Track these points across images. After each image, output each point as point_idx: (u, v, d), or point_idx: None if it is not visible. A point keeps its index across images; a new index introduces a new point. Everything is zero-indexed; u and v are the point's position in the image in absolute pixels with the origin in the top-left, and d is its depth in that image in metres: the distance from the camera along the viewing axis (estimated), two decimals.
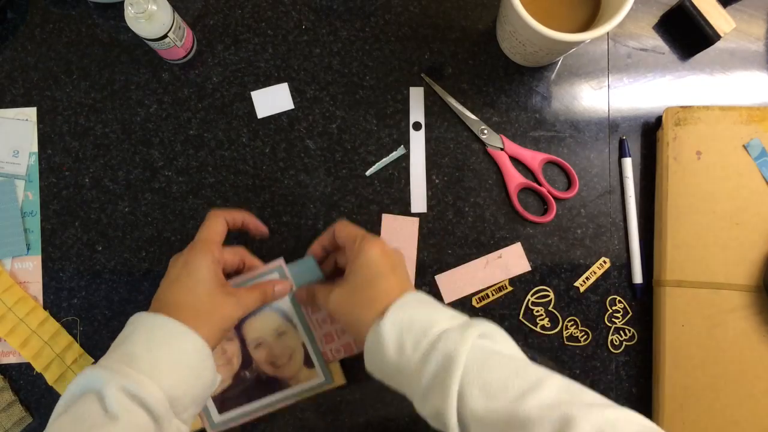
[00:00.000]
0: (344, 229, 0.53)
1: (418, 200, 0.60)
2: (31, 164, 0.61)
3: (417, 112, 0.61)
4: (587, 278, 0.59)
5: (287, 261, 0.56)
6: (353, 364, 0.58)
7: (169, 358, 0.44)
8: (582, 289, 0.60)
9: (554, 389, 0.39)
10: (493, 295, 0.59)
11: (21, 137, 0.61)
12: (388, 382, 0.47)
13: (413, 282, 0.59)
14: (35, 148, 0.61)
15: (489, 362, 0.41)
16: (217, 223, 0.52)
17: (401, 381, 0.45)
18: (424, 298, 0.48)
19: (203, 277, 0.48)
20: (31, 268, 0.60)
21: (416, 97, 0.61)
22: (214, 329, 0.47)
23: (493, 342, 0.43)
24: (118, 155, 0.61)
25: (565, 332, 0.59)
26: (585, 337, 0.59)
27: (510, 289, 0.60)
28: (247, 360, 0.57)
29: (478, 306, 0.59)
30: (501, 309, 0.59)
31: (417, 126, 0.60)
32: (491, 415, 0.39)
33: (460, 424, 0.41)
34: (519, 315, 0.60)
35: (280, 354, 0.57)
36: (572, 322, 0.59)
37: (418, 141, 0.61)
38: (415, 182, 0.60)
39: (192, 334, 0.46)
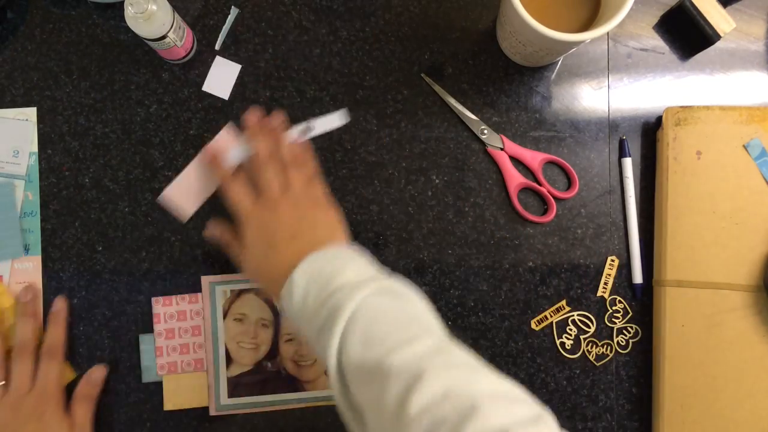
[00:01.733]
0: (230, 194, 0.54)
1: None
2: (31, 164, 0.61)
3: None
4: (606, 283, 0.59)
5: None
6: None
7: None
8: (604, 295, 0.60)
9: (427, 345, 0.40)
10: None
11: (21, 137, 0.61)
12: (296, 325, 0.49)
13: None
14: (35, 148, 0.61)
15: (379, 316, 0.42)
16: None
17: (303, 325, 0.47)
18: (338, 253, 0.48)
19: None
20: (30, 268, 0.60)
21: None
22: None
23: (394, 298, 0.44)
24: (118, 155, 0.61)
25: (564, 335, 0.59)
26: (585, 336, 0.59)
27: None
28: (273, 351, 0.58)
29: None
30: (501, 309, 0.60)
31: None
32: (364, 363, 0.41)
33: (339, 370, 0.42)
34: (519, 314, 0.60)
35: (307, 354, 0.58)
36: (573, 322, 0.59)
37: None
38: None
39: None
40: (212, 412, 0.58)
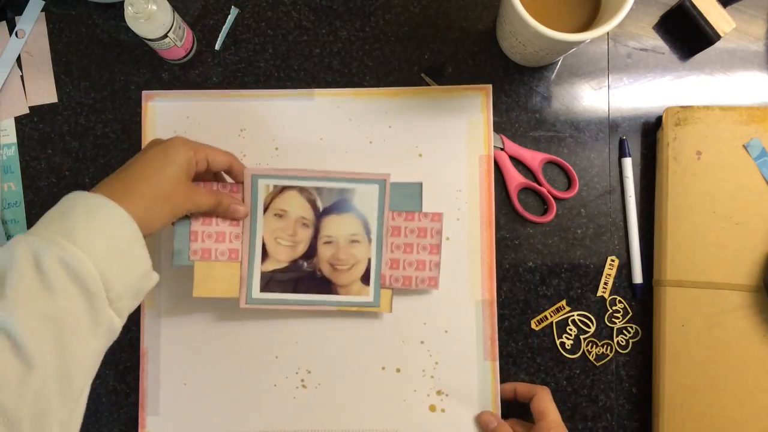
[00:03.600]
0: (541, 404, 0.55)
1: None
2: (10, 155, 0.61)
3: None
4: (606, 283, 0.59)
5: None
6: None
7: (105, 241, 0.43)
8: (604, 295, 0.60)
9: None
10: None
11: None
12: None
13: None
14: (14, 140, 0.61)
15: None
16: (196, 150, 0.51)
17: None
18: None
19: (174, 172, 0.49)
20: None
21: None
22: (156, 215, 0.47)
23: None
24: (118, 155, 0.61)
25: (564, 335, 0.59)
26: (585, 336, 0.59)
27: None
28: (311, 251, 0.57)
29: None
30: (500, 309, 0.60)
31: None
32: None
33: None
34: (519, 314, 0.60)
35: (344, 259, 0.57)
36: (573, 322, 0.59)
37: None
38: None
39: (130, 222, 0.45)
40: (242, 305, 0.56)
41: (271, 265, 0.56)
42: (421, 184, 0.57)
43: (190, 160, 0.50)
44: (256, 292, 0.56)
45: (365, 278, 0.57)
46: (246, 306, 0.56)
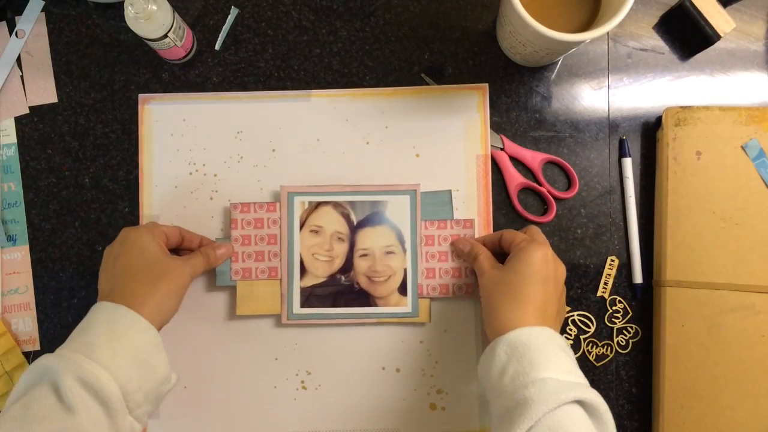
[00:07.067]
0: (511, 234, 0.54)
1: None
2: (10, 155, 0.61)
3: None
4: (606, 283, 0.59)
5: None
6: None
7: (125, 352, 0.45)
8: (604, 295, 0.60)
9: None
10: None
11: None
12: (482, 389, 0.48)
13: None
14: (14, 140, 0.61)
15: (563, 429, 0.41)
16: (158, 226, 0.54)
17: (488, 394, 0.47)
18: (555, 340, 0.47)
19: (146, 243, 0.51)
20: (19, 258, 0.60)
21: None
22: (168, 306, 0.49)
23: (588, 416, 0.43)
24: (118, 155, 0.61)
25: (564, 335, 0.59)
26: (586, 337, 0.59)
27: None
28: (347, 266, 0.58)
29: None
30: None
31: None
32: None
33: None
34: None
35: (381, 270, 0.58)
36: (573, 323, 0.59)
37: None
38: None
39: (151, 329, 0.47)
40: (284, 321, 0.58)
41: (309, 281, 0.58)
42: (450, 192, 0.59)
43: (156, 237, 0.52)
44: (296, 308, 0.58)
45: (402, 289, 0.58)
46: (288, 322, 0.58)
